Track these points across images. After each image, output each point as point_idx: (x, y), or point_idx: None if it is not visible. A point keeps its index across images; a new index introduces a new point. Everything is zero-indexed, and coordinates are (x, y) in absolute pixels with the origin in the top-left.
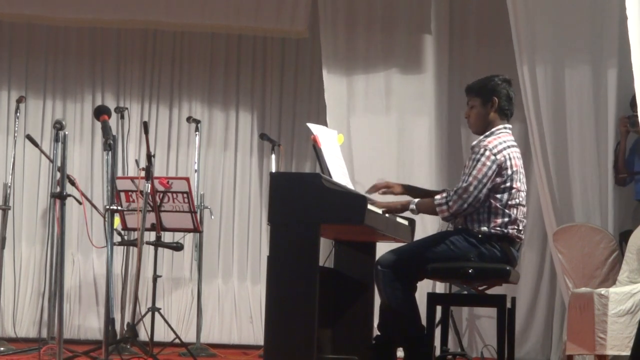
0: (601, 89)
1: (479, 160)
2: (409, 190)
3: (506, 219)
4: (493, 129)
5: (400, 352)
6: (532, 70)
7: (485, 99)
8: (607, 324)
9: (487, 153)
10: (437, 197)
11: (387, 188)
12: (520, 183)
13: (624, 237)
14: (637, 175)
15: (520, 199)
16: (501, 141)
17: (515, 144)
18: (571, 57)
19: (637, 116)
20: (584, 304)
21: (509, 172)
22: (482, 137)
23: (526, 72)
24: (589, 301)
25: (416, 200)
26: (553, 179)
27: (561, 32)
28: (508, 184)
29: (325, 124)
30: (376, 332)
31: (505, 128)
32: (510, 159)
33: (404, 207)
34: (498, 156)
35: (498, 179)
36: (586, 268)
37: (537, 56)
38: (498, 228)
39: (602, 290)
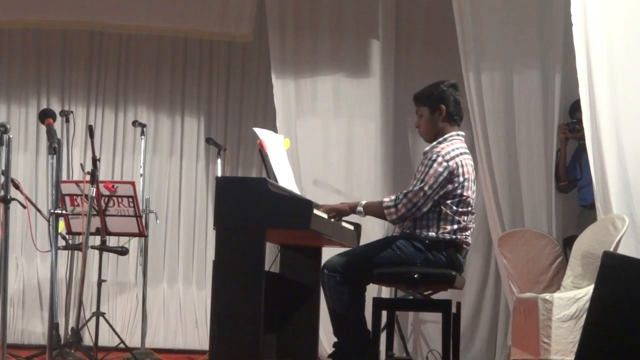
0: (549, 95)
1: (431, 166)
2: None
3: (455, 226)
4: (446, 136)
5: None
6: (477, 76)
7: (433, 107)
8: (551, 329)
9: (440, 159)
10: (386, 199)
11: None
12: (470, 191)
13: (568, 243)
14: (580, 182)
15: (471, 207)
16: (454, 148)
17: (467, 151)
18: (519, 63)
19: (576, 122)
20: (529, 309)
21: (461, 179)
22: (435, 143)
23: (472, 78)
24: (534, 306)
25: (364, 202)
26: (498, 184)
27: (508, 38)
28: (459, 191)
29: (272, 128)
30: (322, 337)
31: (458, 135)
32: (462, 166)
33: (352, 210)
34: (450, 162)
35: (449, 186)
36: (531, 273)
37: (483, 62)
38: (447, 234)
39: (547, 295)
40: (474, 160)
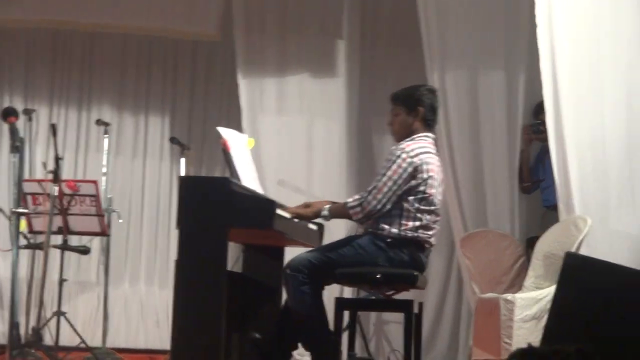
0: (513, 96)
1: (394, 161)
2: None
3: (417, 223)
4: (414, 136)
5: (307, 357)
6: (441, 76)
7: (410, 108)
8: (512, 329)
9: (404, 155)
10: (349, 200)
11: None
12: (434, 190)
13: (530, 243)
14: (543, 183)
15: (434, 206)
16: (420, 146)
17: (434, 151)
18: (483, 64)
19: (540, 124)
20: (490, 310)
21: (424, 175)
22: (402, 143)
23: (436, 79)
24: (495, 306)
25: (327, 206)
26: (461, 185)
27: (472, 39)
28: (422, 188)
29: (236, 128)
30: None
31: (426, 136)
32: (427, 163)
33: (316, 214)
34: (415, 159)
35: (413, 182)
36: (493, 274)
37: (447, 63)
38: (409, 231)
39: (508, 296)
40: None
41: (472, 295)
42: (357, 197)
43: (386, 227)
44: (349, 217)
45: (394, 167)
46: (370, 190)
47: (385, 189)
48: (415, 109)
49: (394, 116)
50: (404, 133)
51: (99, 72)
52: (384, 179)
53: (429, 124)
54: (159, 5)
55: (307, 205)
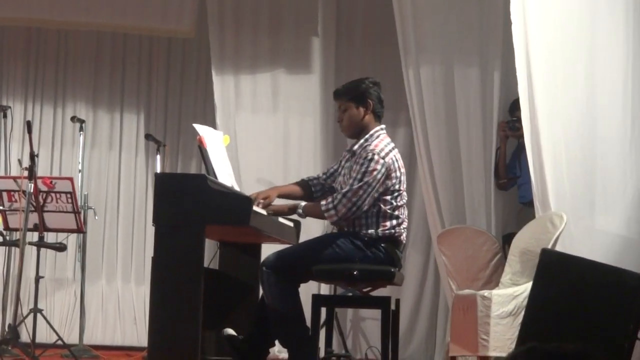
0: (488, 92)
1: (368, 165)
2: (283, 194)
3: (394, 222)
4: (372, 132)
5: (284, 354)
6: (416, 72)
7: (359, 102)
8: (489, 325)
9: (376, 157)
10: (323, 202)
11: (264, 200)
12: (405, 185)
13: (507, 240)
14: (519, 180)
15: (405, 200)
16: (385, 144)
17: (393, 144)
18: (458, 60)
19: (516, 121)
20: (467, 306)
21: (398, 173)
22: (362, 141)
23: (411, 75)
24: (472, 303)
25: (303, 203)
26: (437, 181)
27: (447, 35)
28: (397, 186)
29: (211, 124)
30: None
31: (382, 130)
32: (397, 160)
33: (291, 210)
34: (386, 159)
35: (388, 182)
36: (470, 270)
37: (422, 59)
38: (387, 231)
39: (485, 292)
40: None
41: (449, 291)
42: (329, 199)
43: (364, 229)
44: (324, 218)
45: (369, 170)
46: (345, 193)
47: (361, 192)
48: (365, 102)
49: (342, 112)
50: (356, 128)
51: (74, 69)
52: (360, 183)
53: (379, 116)
54: (133, 2)
55: (276, 191)
